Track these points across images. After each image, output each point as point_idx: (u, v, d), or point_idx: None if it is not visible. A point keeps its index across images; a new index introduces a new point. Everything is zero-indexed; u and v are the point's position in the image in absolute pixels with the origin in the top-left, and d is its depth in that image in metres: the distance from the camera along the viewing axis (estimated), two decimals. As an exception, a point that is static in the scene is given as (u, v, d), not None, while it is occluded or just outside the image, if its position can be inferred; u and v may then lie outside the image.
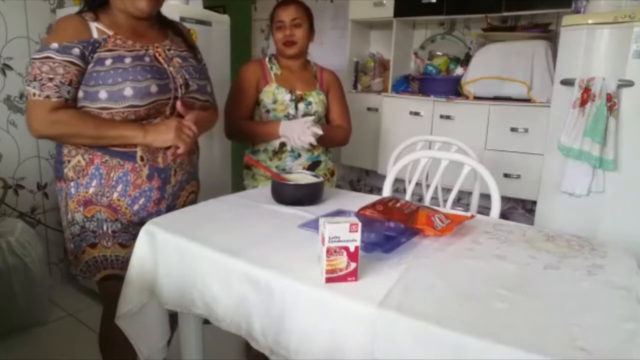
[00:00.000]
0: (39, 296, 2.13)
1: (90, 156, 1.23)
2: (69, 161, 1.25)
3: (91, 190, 1.23)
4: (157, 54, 1.26)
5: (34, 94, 1.13)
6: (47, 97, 1.13)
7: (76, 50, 1.15)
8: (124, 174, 1.24)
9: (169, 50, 1.30)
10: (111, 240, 1.27)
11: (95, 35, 1.19)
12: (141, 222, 1.25)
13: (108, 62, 1.18)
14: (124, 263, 1.27)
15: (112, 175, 1.23)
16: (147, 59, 1.23)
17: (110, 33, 1.21)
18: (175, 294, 1.09)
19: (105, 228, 1.26)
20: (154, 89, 1.20)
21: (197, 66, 1.36)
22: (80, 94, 1.18)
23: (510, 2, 2.26)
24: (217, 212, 1.27)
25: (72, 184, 1.25)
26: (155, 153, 1.26)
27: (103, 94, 1.17)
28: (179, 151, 1.23)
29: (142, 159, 1.24)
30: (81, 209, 1.25)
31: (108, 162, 1.23)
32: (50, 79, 1.13)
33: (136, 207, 1.27)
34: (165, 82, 1.24)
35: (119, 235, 1.27)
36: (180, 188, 1.36)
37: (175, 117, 1.27)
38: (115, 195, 1.24)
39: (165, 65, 1.26)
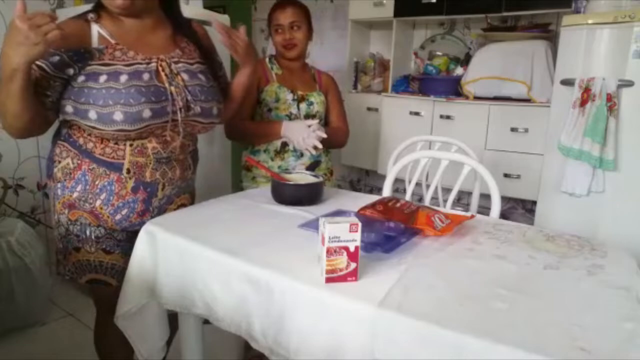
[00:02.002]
0: (39, 296, 2.13)
1: (79, 161, 1.20)
2: (59, 162, 1.22)
3: (75, 194, 1.20)
4: (160, 68, 1.17)
5: None
6: None
7: (55, 58, 1.09)
8: (109, 184, 1.20)
9: (176, 63, 1.22)
10: (94, 245, 1.23)
11: (95, 42, 1.14)
12: (123, 231, 1.25)
13: (102, 78, 1.11)
14: (108, 269, 1.26)
15: (97, 182, 1.19)
16: (145, 76, 1.15)
17: (112, 41, 1.15)
18: (175, 294, 1.09)
19: (88, 233, 1.22)
20: (146, 113, 1.12)
21: (206, 84, 1.26)
22: (70, 108, 1.13)
23: (510, 2, 2.27)
24: (217, 212, 1.27)
25: (59, 184, 1.22)
26: (143, 167, 1.20)
27: (93, 114, 1.10)
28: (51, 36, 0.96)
29: (128, 171, 1.19)
30: (66, 211, 1.22)
31: (94, 170, 1.19)
32: None
33: (118, 216, 1.23)
34: (162, 104, 1.15)
35: (103, 241, 1.24)
36: (168, 202, 1.30)
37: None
38: (98, 202, 1.21)
39: (167, 84, 1.17)
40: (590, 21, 1.77)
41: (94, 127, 1.12)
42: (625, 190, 1.75)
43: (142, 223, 1.20)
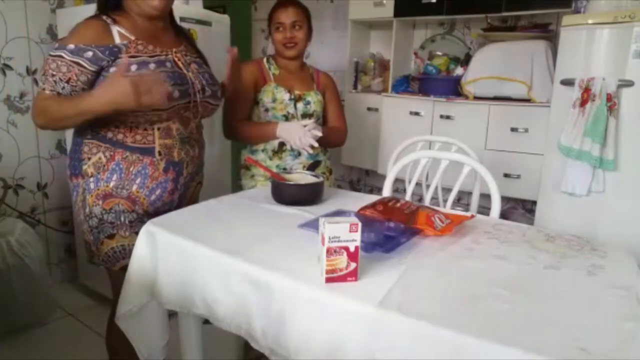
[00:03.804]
0: (39, 296, 2.13)
1: (112, 153, 1.30)
2: (89, 158, 1.31)
3: (112, 184, 1.30)
4: (176, 59, 1.34)
5: (39, 86, 1.23)
6: (44, 89, 1.21)
7: (89, 54, 1.20)
8: (143, 168, 1.31)
9: (185, 55, 1.38)
10: (129, 230, 1.32)
11: (117, 39, 1.25)
12: (156, 212, 1.33)
13: (133, 67, 1.23)
14: None
15: (131, 169, 1.30)
16: (168, 64, 1.30)
17: (132, 38, 1.27)
18: (175, 294, 1.09)
19: (122, 219, 1.32)
20: (176, 94, 1.28)
21: (210, 72, 1.45)
22: None
23: (510, 2, 2.26)
24: (217, 212, 1.27)
25: (91, 179, 1.31)
26: (171, 148, 1.33)
27: None
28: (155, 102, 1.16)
29: (159, 153, 1.32)
30: (100, 202, 1.31)
31: (128, 158, 1.30)
32: (53, 75, 1.20)
33: (153, 197, 1.34)
34: (185, 87, 1.32)
35: (136, 224, 1.32)
36: (190, 179, 1.43)
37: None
38: (135, 187, 1.31)
39: (185, 71, 1.34)
40: (590, 21, 1.77)
41: (130, 111, 1.22)
42: (625, 190, 1.75)
43: (172, 202, 1.38)
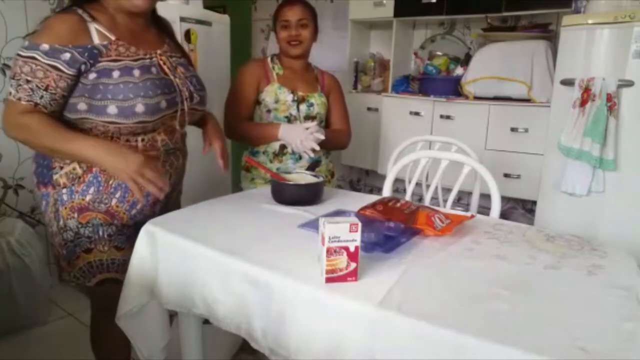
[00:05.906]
0: (39, 296, 2.13)
1: (89, 164, 1.19)
2: (61, 167, 1.20)
3: (88, 197, 1.20)
4: (161, 63, 1.23)
5: (10, 93, 1.10)
6: (19, 99, 1.08)
7: (66, 55, 1.09)
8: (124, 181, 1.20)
9: (170, 57, 1.27)
10: (107, 244, 1.25)
11: (95, 39, 1.13)
12: (135, 224, 1.25)
13: (116, 74, 1.13)
14: (119, 266, 1.26)
15: (110, 182, 1.21)
16: (153, 69, 1.19)
17: (112, 38, 1.15)
18: (175, 294, 1.09)
19: (101, 233, 1.23)
20: (163, 104, 1.19)
21: (196, 75, 1.35)
22: (84, 106, 1.12)
23: (510, 2, 2.27)
24: (217, 212, 1.27)
25: (64, 190, 1.20)
26: (155, 161, 1.24)
27: (113, 109, 1.12)
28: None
29: None
30: (75, 215, 1.21)
31: (107, 171, 1.20)
32: (28, 82, 1.08)
33: (134, 211, 1.25)
34: (173, 95, 1.22)
35: (115, 238, 1.25)
36: (172, 190, 1.36)
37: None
38: (114, 201, 1.22)
39: (172, 77, 1.23)
40: (590, 21, 1.77)
41: (111, 122, 1.14)
42: (625, 190, 1.75)
43: (153, 214, 1.27)
